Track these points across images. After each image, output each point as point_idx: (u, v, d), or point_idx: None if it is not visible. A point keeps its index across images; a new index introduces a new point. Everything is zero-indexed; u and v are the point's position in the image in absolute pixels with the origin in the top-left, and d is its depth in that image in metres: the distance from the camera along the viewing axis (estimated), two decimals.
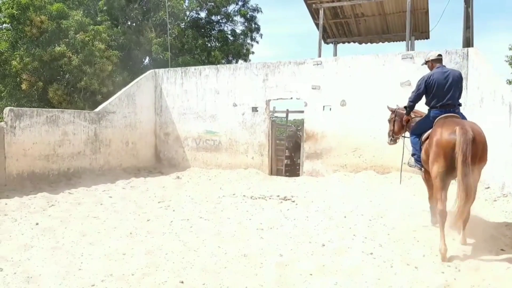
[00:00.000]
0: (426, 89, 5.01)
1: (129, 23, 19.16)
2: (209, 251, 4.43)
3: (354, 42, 14.53)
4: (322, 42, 12.71)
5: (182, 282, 3.62)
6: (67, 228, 5.34)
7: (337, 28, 13.81)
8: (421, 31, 13.38)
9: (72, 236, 4.97)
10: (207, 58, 19.83)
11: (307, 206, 6.71)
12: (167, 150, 12.16)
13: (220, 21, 22.21)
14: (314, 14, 12.61)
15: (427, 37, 13.70)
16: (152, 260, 4.16)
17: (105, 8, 17.52)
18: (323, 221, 5.66)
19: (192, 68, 12.09)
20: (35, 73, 15.26)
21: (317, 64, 10.25)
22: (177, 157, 11.99)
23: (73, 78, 15.33)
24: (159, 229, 5.36)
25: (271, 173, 10.72)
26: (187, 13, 21.16)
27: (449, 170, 4.19)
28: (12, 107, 8.67)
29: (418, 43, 14.04)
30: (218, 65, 12.18)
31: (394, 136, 5.93)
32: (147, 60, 19.63)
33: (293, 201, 7.14)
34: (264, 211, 6.40)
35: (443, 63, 5.34)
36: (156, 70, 12.51)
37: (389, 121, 6.05)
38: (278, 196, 7.60)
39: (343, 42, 14.62)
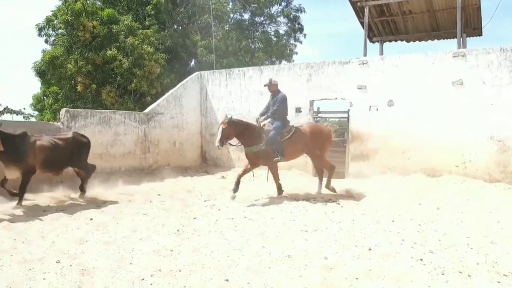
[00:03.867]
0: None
1: (175, 26, 19.71)
2: (253, 251, 4.46)
3: (401, 40, 14.05)
4: (368, 41, 12.42)
5: (227, 280, 3.68)
6: (119, 224, 5.58)
7: (383, 26, 13.43)
8: (473, 28, 12.70)
9: (124, 232, 5.18)
10: (251, 59, 19.99)
11: (353, 209, 6.59)
12: (212, 151, 12.36)
13: (264, 22, 22.31)
14: (359, 12, 12.34)
15: (480, 34, 12.98)
16: (198, 257, 4.26)
17: (152, 12, 18.15)
18: (369, 225, 5.54)
19: (236, 70, 12.24)
20: (89, 76, 16.08)
21: (363, 64, 10.03)
22: (222, 157, 12.17)
23: (124, 81, 16.01)
24: (205, 227, 5.47)
25: (315, 174, 10.59)
26: (231, 15, 21.45)
27: None
28: (68, 108, 9.23)
29: (470, 40, 13.34)
30: (262, 66, 12.23)
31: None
32: (193, 62, 20.10)
33: (338, 203, 7.04)
34: (308, 213, 6.35)
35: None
36: (202, 72, 12.78)
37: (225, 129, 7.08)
38: (323, 198, 7.52)
39: (390, 41, 14.17)
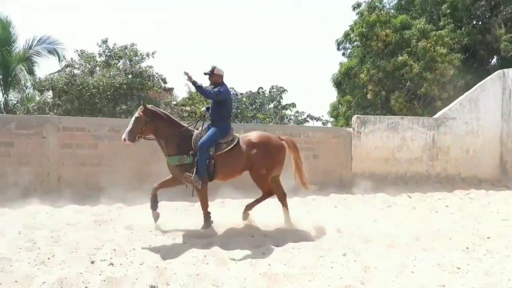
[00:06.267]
0: None
1: (474, 22, 17.79)
2: None
3: None
4: None
5: None
6: (402, 230, 5.59)
7: None
8: None
9: (406, 238, 5.15)
10: None
11: None
12: None
13: None
14: None
15: None
16: (490, 282, 3.74)
17: (448, 11, 17.01)
18: None
19: None
20: (379, 83, 16.78)
21: None
22: None
23: (413, 86, 15.83)
24: (501, 250, 4.74)
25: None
26: None
27: None
28: (358, 115, 10.01)
29: None
30: None
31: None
32: (494, 60, 17.66)
33: None
34: None
35: None
36: (505, 70, 11.05)
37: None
38: None
39: None
